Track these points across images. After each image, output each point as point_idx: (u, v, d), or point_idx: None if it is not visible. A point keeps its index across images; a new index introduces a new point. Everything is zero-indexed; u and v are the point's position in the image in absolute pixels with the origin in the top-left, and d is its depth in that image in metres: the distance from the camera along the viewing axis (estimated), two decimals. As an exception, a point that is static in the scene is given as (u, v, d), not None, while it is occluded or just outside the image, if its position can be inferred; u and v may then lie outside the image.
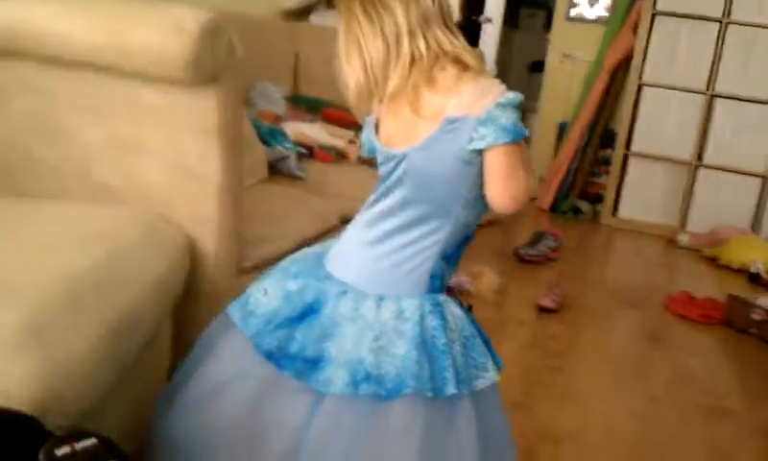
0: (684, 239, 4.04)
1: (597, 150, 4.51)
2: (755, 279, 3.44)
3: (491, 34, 4.93)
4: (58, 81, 1.39)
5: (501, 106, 1.00)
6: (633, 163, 4.32)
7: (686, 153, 4.19)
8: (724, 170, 4.12)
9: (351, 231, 1.13)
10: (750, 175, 4.08)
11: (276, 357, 1.04)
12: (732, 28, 4.04)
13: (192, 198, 1.41)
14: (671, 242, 4.09)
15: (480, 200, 1.07)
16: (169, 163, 1.39)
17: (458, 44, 1.05)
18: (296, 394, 1.03)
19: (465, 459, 1.02)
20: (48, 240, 1.15)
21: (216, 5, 2.35)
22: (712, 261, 3.75)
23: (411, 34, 1.02)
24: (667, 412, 2.04)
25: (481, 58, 1.11)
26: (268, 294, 1.10)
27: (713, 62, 4.09)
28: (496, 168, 1.02)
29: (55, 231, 1.19)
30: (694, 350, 2.57)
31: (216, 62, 1.30)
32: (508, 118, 1.00)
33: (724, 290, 3.04)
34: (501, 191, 1.03)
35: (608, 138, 4.49)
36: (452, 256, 1.11)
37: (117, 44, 1.28)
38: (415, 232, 1.07)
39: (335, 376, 1.01)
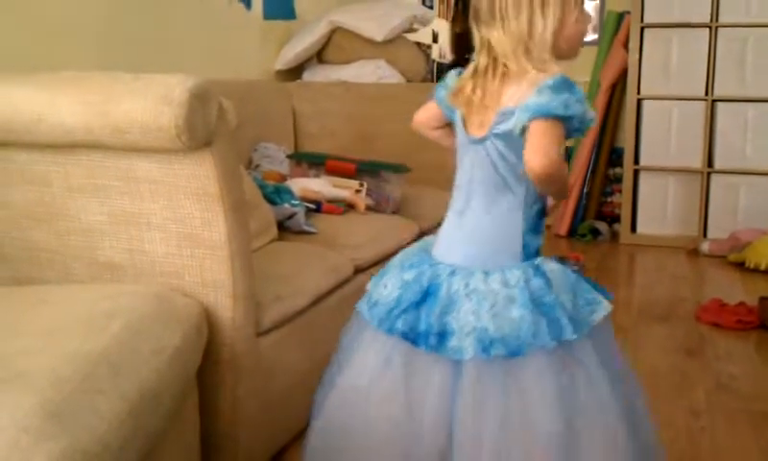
0: (706, 247, 3.98)
1: (606, 169, 4.49)
2: (784, 277, 3.37)
3: (484, 70, 4.93)
4: (52, 165, 1.39)
5: (538, 90, 1.15)
6: (643, 178, 4.29)
7: (696, 161, 4.15)
8: (736, 173, 4.07)
9: (446, 224, 1.29)
10: (763, 174, 4.03)
11: (411, 337, 1.18)
12: (722, 31, 4.04)
13: (201, 265, 1.39)
14: (693, 252, 4.02)
15: None
16: (173, 233, 1.38)
17: (526, 65, 1.20)
18: (435, 365, 1.17)
19: (596, 389, 1.15)
20: (58, 324, 1.13)
21: (211, 73, 2.39)
22: (739, 266, 3.68)
23: (483, 48, 1.26)
24: (713, 424, 1.96)
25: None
26: (388, 287, 1.25)
27: (708, 67, 4.08)
28: (530, 135, 1.16)
29: (64, 314, 1.17)
30: (732, 357, 2.49)
31: (208, 126, 1.30)
32: (539, 99, 1.14)
33: (755, 293, 2.97)
34: (536, 148, 1.14)
35: (615, 156, 4.47)
36: (535, 227, 1.25)
37: (107, 122, 1.27)
38: (500, 208, 1.23)
39: (464, 345, 1.14)
